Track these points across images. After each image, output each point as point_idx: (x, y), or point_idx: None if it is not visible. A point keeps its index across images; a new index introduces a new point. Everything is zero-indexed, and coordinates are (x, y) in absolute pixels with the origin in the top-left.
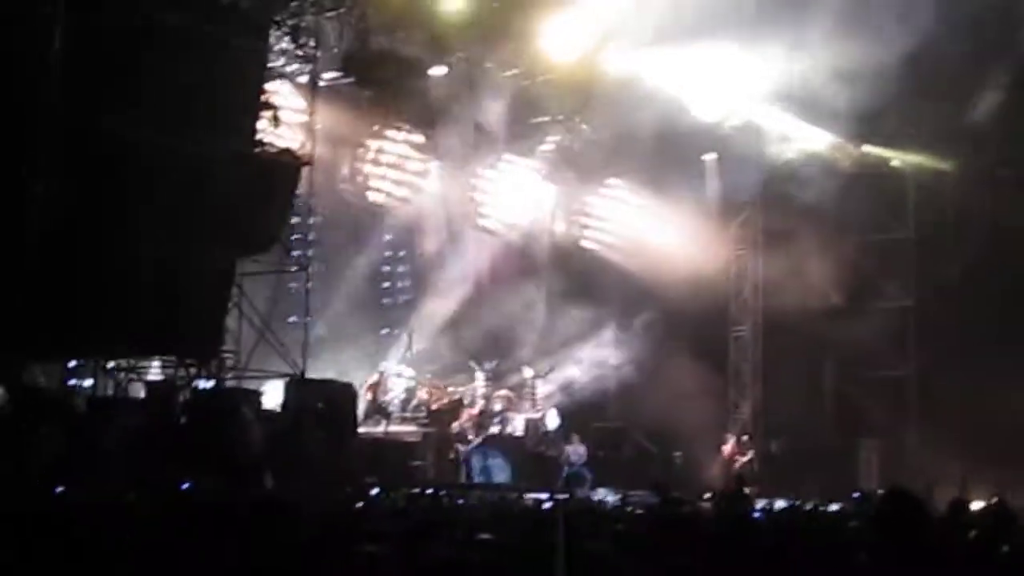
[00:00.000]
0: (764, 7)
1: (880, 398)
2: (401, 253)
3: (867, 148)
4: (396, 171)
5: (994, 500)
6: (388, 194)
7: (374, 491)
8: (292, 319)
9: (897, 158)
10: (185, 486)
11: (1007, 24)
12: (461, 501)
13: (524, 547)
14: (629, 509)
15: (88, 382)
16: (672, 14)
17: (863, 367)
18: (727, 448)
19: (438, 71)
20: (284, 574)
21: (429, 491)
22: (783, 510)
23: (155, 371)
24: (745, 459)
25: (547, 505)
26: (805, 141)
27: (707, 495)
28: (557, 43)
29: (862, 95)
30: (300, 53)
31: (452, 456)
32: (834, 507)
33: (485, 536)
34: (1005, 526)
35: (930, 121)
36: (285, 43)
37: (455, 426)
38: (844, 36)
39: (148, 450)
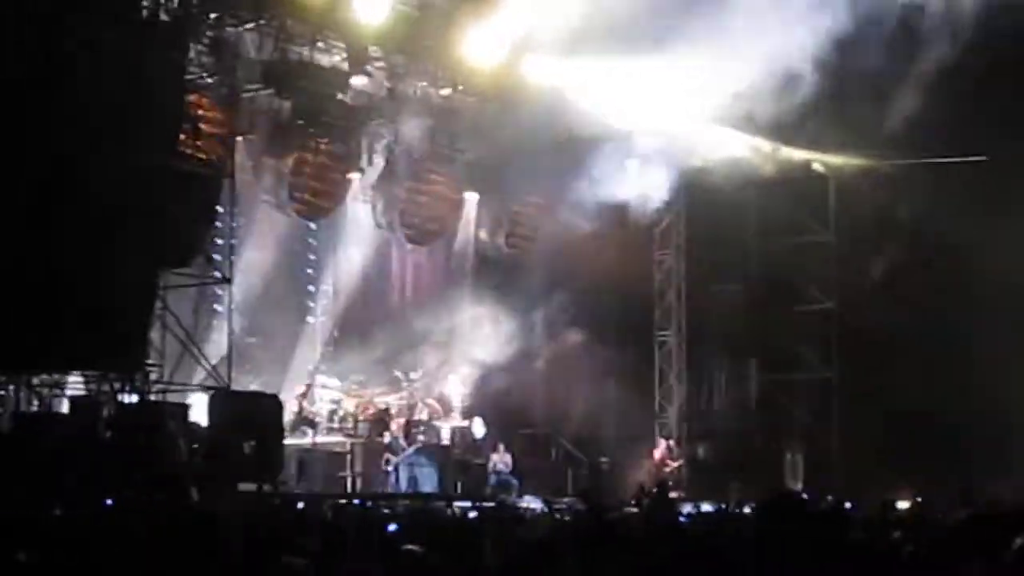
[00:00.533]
0: (682, 13)
1: (804, 401)
2: (322, 263)
3: (787, 151)
4: (318, 182)
5: (916, 501)
6: (310, 204)
7: (299, 504)
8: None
9: (818, 161)
10: (109, 501)
11: (924, 25)
12: (387, 511)
13: (450, 558)
14: (557, 516)
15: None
16: (589, 23)
17: (787, 370)
18: (658, 453)
19: (358, 81)
20: None
21: (355, 501)
22: (709, 514)
23: (79, 386)
24: (675, 464)
25: (472, 514)
26: (726, 145)
27: (632, 501)
28: (476, 53)
29: (782, 99)
30: (220, 65)
31: (382, 466)
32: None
33: (411, 547)
34: (924, 527)
35: (850, 124)
36: (204, 55)
37: (384, 436)
38: (762, 40)
39: (72, 465)
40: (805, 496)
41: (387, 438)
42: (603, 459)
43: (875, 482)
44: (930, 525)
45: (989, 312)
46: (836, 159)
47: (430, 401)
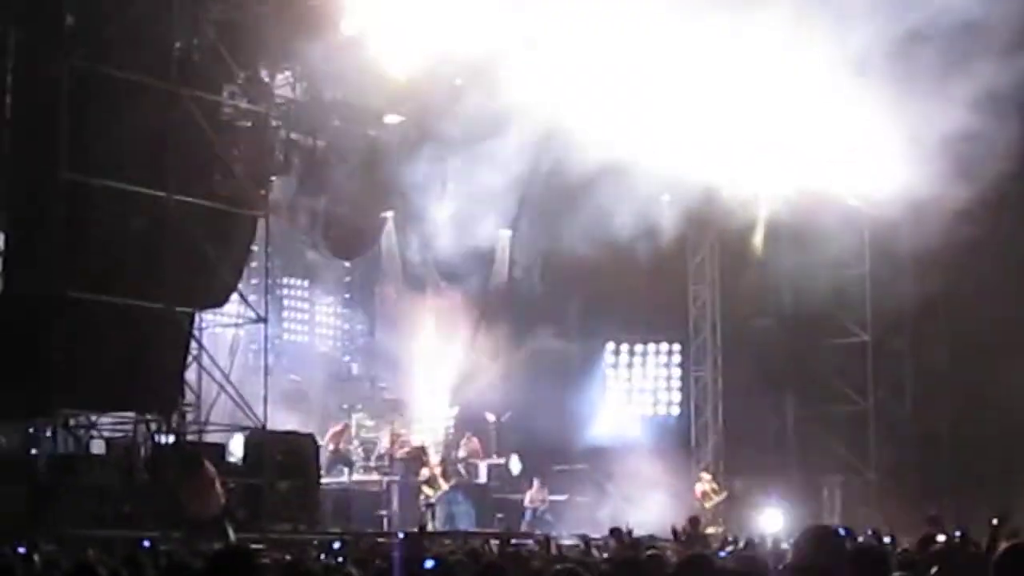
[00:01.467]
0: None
1: (841, 434)
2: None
3: (822, 184)
4: (352, 220)
5: (958, 535)
6: (345, 242)
7: (336, 543)
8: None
9: (852, 195)
10: (147, 543)
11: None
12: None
13: None
14: (594, 553)
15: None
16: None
17: (823, 403)
18: (699, 488)
19: (392, 119)
20: None
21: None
22: (746, 549)
23: (115, 427)
24: (719, 499)
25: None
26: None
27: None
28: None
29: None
30: (253, 105)
31: (420, 504)
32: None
33: None
34: (963, 562)
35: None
36: (238, 95)
37: (422, 473)
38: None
39: (110, 507)
40: (843, 531)
41: (422, 475)
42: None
43: (913, 516)
44: (968, 559)
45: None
46: (871, 192)
47: (467, 439)
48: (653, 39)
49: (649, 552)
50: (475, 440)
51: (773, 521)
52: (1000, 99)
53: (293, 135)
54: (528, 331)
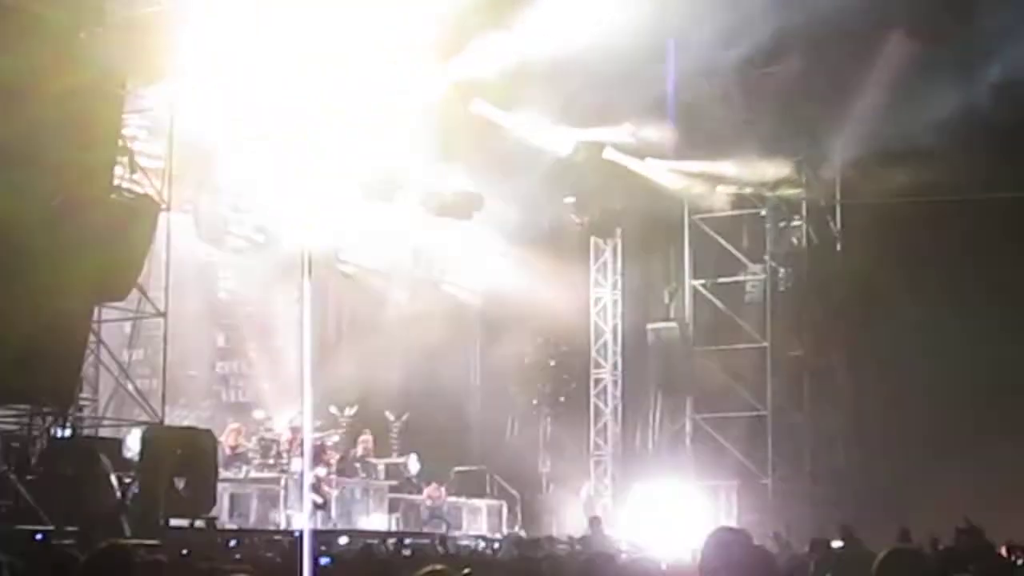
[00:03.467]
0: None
1: (738, 439)
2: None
3: (720, 189)
4: (255, 217)
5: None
6: (248, 239)
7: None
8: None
9: (751, 199)
10: (40, 536)
11: None
12: (323, 548)
13: None
14: (489, 553)
15: None
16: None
17: (722, 408)
18: (584, 490)
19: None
20: None
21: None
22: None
23: (10, 420)
24: (603, 503)
25: (406, 552)
26: (663, 176)
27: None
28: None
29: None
30: (157, 97)
31: (315, 504)
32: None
33: None
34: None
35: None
36: (141, 87)
37: (318, 471)
38: None
39: (3, 500)
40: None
41: (319, 473)
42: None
43: (807, 521)
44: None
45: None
46: (773, 193)
47: (365, 437)
48: None
49: (544, 554)
50: (370, 438)
51: (670, 525)
52: None
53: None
54: (427, 335)
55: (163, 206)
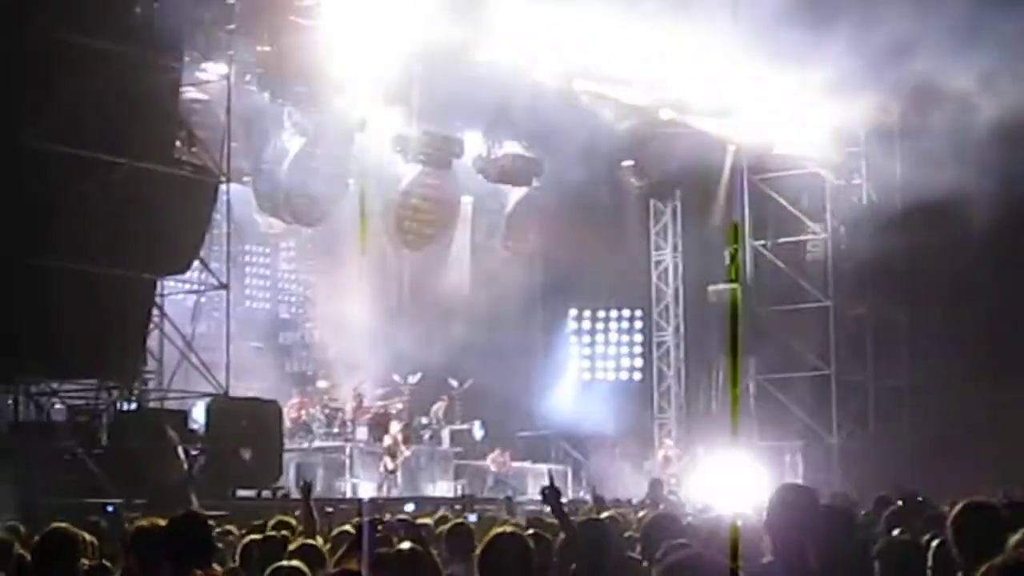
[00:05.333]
0: None
1: (802, 399)
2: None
3: (779, 150)
4: (313, 187)
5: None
6: (306, 210)
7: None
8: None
9: (811, 161)
10: (109, 509)
11: None
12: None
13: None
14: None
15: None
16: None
17: (785, 368)
18: (661, 453)
19: (354, 84)
20: None
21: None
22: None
23: (77, 394)
24: (681, 463)
25: (472, 517)
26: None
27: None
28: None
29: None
30: (214, 71)
31: (381, 469)
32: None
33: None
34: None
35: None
36: (199, 60)
37: (383, 440)
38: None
39: (72, 474)
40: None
41: (385, 442)
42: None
43: (872, 479)
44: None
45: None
46: (830, 153)
47: (439, 404)
48: None
49: (609, 514)
50: (443, 405)
51: (735, 486)
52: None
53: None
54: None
55: (222, 179)
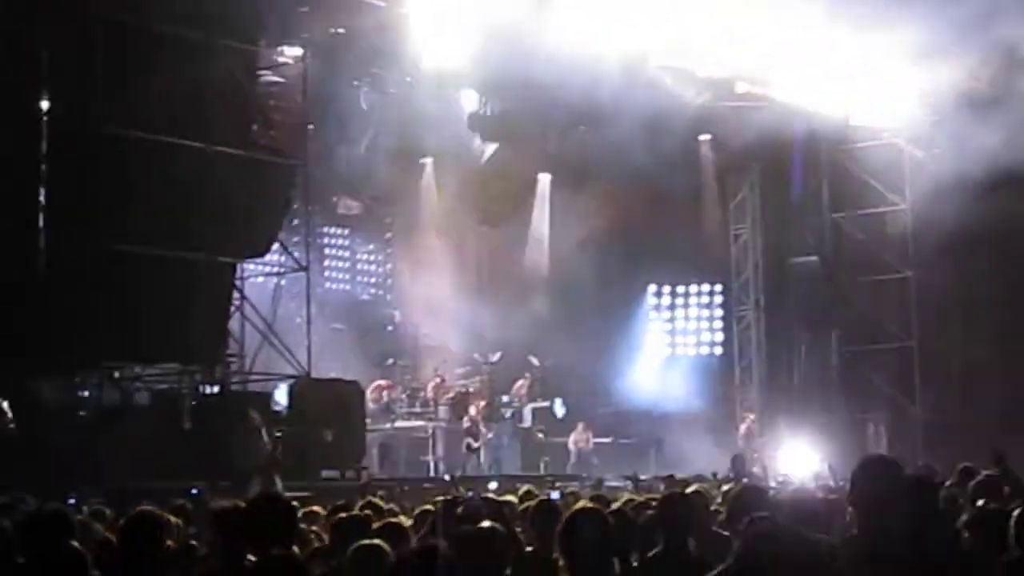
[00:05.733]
0: None
1: (886, 371)
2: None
3: (856, 121)
4: (391, 167)
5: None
6: (385, 192)
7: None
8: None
9: (890, 131)
10: (194, 492)
11: None
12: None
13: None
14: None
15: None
16: None
17: (868, 341)
18: (743, 427)
19: (432, 65)
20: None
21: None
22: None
23: (160, 378)
24: (761, 438)
25: (555, 495)
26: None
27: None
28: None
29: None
30: (290, 54)
31: (464, 448)
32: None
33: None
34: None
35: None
36: (275, 45)
37: (465, 419)
38: None
39: (156, 458)
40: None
41: (465, 421)
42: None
43: (957, 451)
44: (1016, 489)
45: None
46: (908, 125)
47: (522, 382)
48: None
49: (694, 489)
50: (526, 382)
51: (819, 459)
52: None
53: (331, 83)
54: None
55: (300, 161)
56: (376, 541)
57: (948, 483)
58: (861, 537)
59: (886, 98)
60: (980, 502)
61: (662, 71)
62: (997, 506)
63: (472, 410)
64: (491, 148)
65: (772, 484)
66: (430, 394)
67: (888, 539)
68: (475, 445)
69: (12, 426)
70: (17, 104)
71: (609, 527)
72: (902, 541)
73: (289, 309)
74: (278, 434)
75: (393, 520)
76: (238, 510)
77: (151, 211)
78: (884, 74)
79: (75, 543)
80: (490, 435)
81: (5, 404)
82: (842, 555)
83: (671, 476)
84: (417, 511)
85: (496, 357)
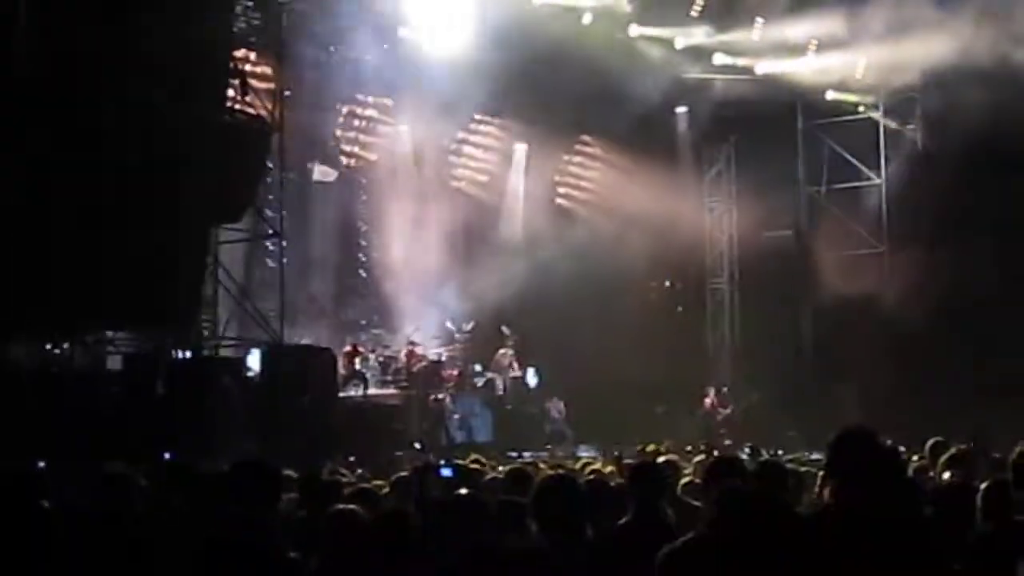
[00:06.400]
0: None
1: (858, 345)
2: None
3: (832, 95)
4: (367, 135)
5: (970, 444)
6: (360, 158)
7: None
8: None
9: (864, 104)
10: (168, 456)
11: None
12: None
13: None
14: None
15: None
16: None
17: (840, 315)
18: (708, 400)
19: (405, 32)
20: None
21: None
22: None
23: (132, 343)
24: (727, 411)
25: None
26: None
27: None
28: None
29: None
30: (266, 18)
31: (434, 416)
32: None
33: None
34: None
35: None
36: (251, 10)
37: (436, 386)
38: None
39: (128, 422)
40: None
41: (437, 388)
42: (658, 408)
43: (930, 425)
44: (982, 466)
45: None
46: (883, 100)
47: (504, 351)
48: None
49: (667, 459)
50: (508, 351)
51: (793, 432)
52: None
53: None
54: (541, 249)
55: (275, 127)
56: (351, 506)
57: (918, 457)
58: (836, 507)
59: (862, 72)
60: (946, 475)
61: (640, 41)
62: (963, 480)
63: (444, 379)
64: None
65: (744, 457)
66: (402, 362)
67: (859, 510)
68: (444, 409)
69: None
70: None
71: (579, 493)
72: (877, 511)
73: (263, 275)
74: (250, 400)
75: (365, 486)
76: (223, 476)
77: (124, 175)
78: (862, 47)
79: (44, 503)
80: (460, 404)
81: None
82: (816, 525)
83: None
84: (393, 478)
85: (469, 327)
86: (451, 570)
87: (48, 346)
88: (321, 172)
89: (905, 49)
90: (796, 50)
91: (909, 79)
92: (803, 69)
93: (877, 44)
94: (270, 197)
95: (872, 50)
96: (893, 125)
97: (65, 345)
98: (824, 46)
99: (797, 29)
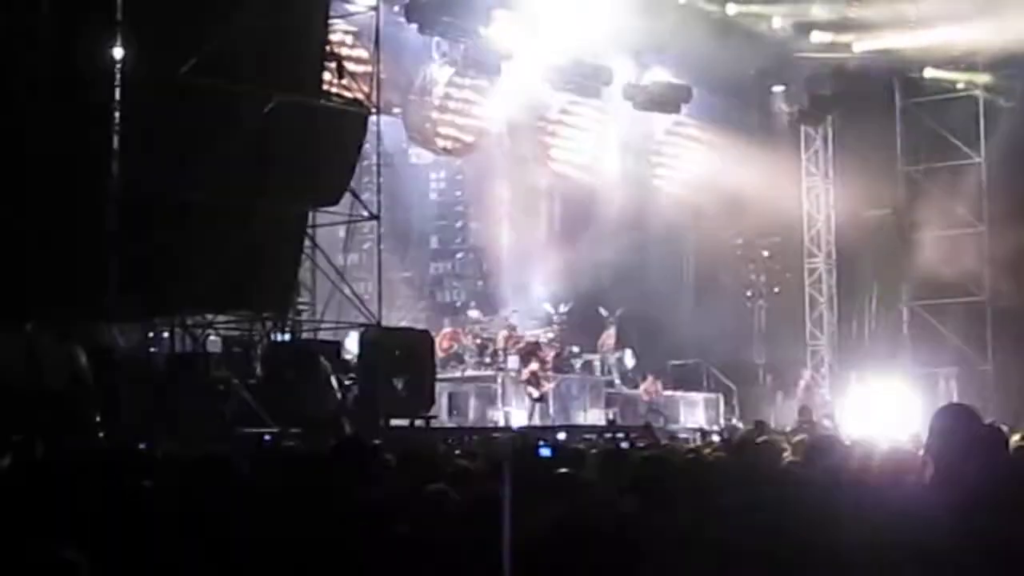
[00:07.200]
0: None
1: (956, 325)
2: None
3: (931, 72)
4: (463, 117)
5: None
6: (456, 139)
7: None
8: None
9: (964, 81)
10: (267, 439)
11: None
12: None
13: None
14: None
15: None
16: None
17: (938, 295)
18: (802, 382)
19: (502, 13)
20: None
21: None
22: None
23: (231, 326)
24: (819, 390)
25: (625, 444)
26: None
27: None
28: None
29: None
30: (363, 2)
31: (532, 398)
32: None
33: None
34: None
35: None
36: None
37: (533, 368)
38: None
39: (228, 405)
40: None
41: (525, 373)
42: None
43: None
44: None
45: None
46: (983, 78)
47: (609, 332)
48: None
49: (765, 439)
50: (612, 332)
51: (890, 412)
52: None
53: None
54: (637, 229)
55: (372, 110)
56: (442, 486)
57: (1020, 436)
58: (936, 487)
59: (962, 48)
60: None
61: (739, 18)
62: None
63: (534, 362)
64: (564, 98)
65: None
66: (500, 344)
67: (963, 489)
68: (536, 395)
69: (87, 374)
70: (91, 52)
71: (676, 472)
72: (976, 491)
73: (361, 258)
74: (348, 382)
75: (461, 463)
76: (305, 458)
77: (222, 159)
78: (961, 23)
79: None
80: (553, 385)
81: (81, 353)
82: (917, 504)
83: (760, 422)
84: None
85: (566, 308)
86: (542, 545)
87: (150, 329)
88: (418, 155)
89: (1006, 25)
90: (895, 27)
91: (1009, 56)
92: (902, 46)
93: (977, 20)
94: (367, 180)
95: (972, 26)
96: (996, 102)
97: (167, 329)
98: (923, 22)
99: (896, 6)
